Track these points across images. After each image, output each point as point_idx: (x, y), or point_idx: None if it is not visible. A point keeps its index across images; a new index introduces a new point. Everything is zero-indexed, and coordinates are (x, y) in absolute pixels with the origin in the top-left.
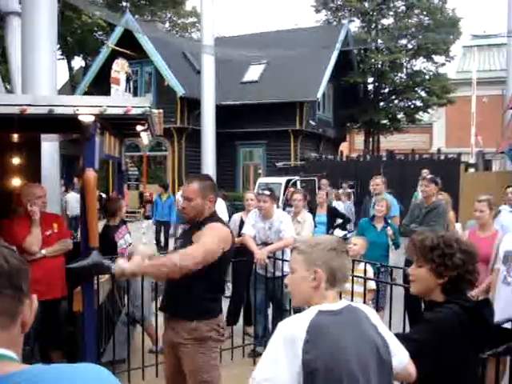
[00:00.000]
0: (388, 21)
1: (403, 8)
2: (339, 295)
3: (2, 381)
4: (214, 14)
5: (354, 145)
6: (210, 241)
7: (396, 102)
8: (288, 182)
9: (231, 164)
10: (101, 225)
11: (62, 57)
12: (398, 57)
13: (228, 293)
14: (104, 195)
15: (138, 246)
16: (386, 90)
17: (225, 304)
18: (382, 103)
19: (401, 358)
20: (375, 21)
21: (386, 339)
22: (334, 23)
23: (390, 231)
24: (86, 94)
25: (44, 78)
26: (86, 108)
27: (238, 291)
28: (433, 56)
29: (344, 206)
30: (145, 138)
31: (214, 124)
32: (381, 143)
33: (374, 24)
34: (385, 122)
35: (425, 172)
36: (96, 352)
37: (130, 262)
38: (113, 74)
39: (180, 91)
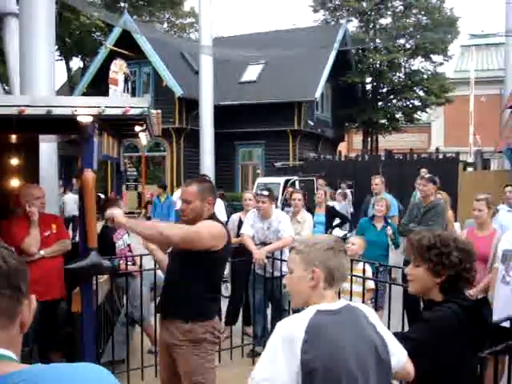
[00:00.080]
0: (386, 20)
1: (401, 8)
2: (338, 295)
3: (2, 380)
4: (212, 15)
5: (352, 145)
6: (200, 229)
7: (394, 101)
8: (287, 182)
9: (230, 164)
10: (100, 226)
11: (60, 58)
12: (396, 56)
13: (227, 293)
14: (102, 196)
15: (115, 210)
16: (385, 90)
17: (224, 304)
18: (380, 103)
19: (399, 357)
20: (373, 20)
21: (384, 338)
22: (332, 23)
23: (389, 231)
24: (84, 94)
25: (42, 79)
26: (84, 109)
27: (236, 291)
28: (431, 55)
29: (340, 206)
30: (143, 139)
31: (212, 124)
32: (379, 143)
33: (372, 24)
34: (383, 121)
35: (423, 171)
36: (95, 352)
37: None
38: (111, 75)
39: (178, 91)
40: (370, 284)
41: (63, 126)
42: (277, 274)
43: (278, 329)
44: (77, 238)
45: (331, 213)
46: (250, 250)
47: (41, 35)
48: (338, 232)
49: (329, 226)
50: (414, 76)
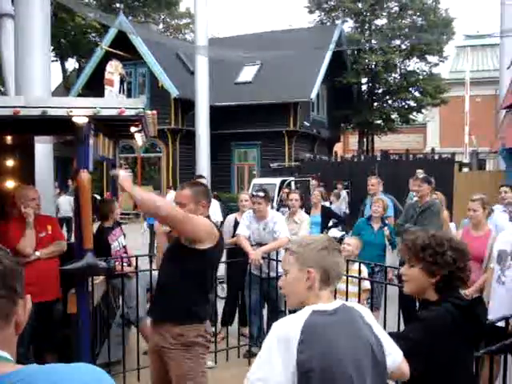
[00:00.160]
0: (381, 21)
1: (396, 9)
2: (334, 295)
3: None
4: (208, 15)
5: (348, 145)
6: (189, 216)
7: (390, 102)
8: (282, 182)
9: (226, 165)
10: (95, 227)
11: (55, 59)
12: (392, 57)
13: (223, 294)
14: (98, 197)
15: (122, 171)
16: (380, 91)
17: (220, 305)
18: (375, 104)
19: (395, 357)
20: (369, 21)
21: (380, 338)
22: (328, 24)
23: (386, 231)
24: (79, 95)
25: (37, 80)
26: (79, 109)
27: (232, 292)
28: (426, 56)
29: (333, 206)
30: (139, 140)
31: (208, 125)
32: (375, 143)
33: (368, 24)
34: (379, 122)
35: (419, 172)
36: (91, 354)
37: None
38: (106, 76)
39: (174, 92)
40: (366, 284)
41: (58, 127)
42: (273, 274)
43: (274, 329)
44: (72, 239)
45: (327, 213)
46: (246, 251)
47: (36, 36)
48: (335, 233)
49: (324, 227)
50: (409, 77)
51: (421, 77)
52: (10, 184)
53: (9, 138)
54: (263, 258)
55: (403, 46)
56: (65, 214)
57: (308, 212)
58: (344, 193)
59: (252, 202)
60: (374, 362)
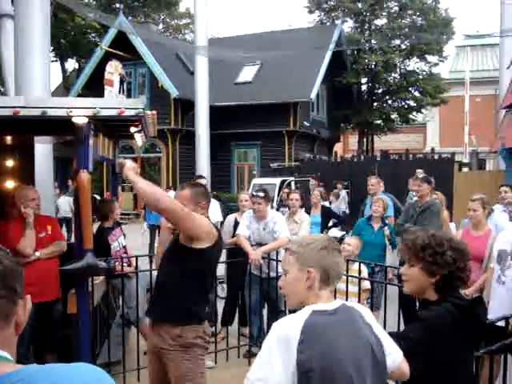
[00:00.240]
0: (381, 21)
1: (396, 8)
2: (334, 295)
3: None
4: (208, 15)
5: (348, 145)
6: (189, 213)
7: (390, 102)
8: (282, 182)
9: (226, 165)
10: (95, 227)
11: (55, 59)
12: (392, 57)
13: (223, 294)
14: (98, 197)
15: (129, 161)
16: (380, 91)
17: (220, 305)
18: (375, 103)
19: (395, 357)
20: (368, 21)
21: (380, 338)
22: (328, 24)
23: (387, 231)
24: (79, 95)
25: (37, 81)
26: (79, 110)
27: (232, 292)
28: (426, 56)
29: (332, 206)
30: (139, 140)
31: (207, 125)
32: (375, 143)
33: (368, 24)
34: (379, 122)
35: (419, 172)
36: (91, 354)
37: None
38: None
39: (174, 93)
40: (366, 284)
41: (58, 127)
42: (273, 274)
43: (274, 329)
44: (72, 240)
45: (327, 213)
46: (246, 251)
47: (36, 36)
48: (335, 232)
49: (324, 227)
50: (409, 77)
51: (421, 77)
52: (10, 184)
53: (9, 138)
54: (263, 257)
55: (403, 46)
56: (64, 214)
57: (308, 212)
58: (344, 193)
59: (252, 202)
60: (373, 362)
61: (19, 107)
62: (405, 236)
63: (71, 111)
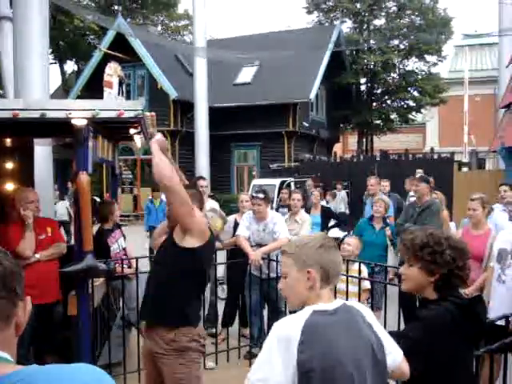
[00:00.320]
0: (380, 21)
1: (395, 8)
2: (334, 295)
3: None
4: (207, 17)
5: (347, 145)
6: (189, 203)
7: (389, 102)
8: (282, 183)
9: (225, 166)
10: (95, 229)
11: (54, 61)
12: (391, 57)
13: (223, 295)
14: (98, 199)
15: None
16: (379, 91)
17: (220, 306)
18: (374, 104)
19: (395, 357)
20: (367, 21)
21: (380, 338)
22: (326, 24)
23: (388, 231)
24: (79, 97)
25: (36, 83)
26: (78, 112)
27: (233, 293)
28: (425, 56)
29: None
30: (138, 142)
31: (207, 126)
32: (374, 143)
33: (366, 25)
34: (378, 122)
35: (419, 172)
36: (91, 355)
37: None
38: (105, 78)
39: (173, 94)
40: (366, 284)
41: (58, 129)
42: (273, 275)
43: (274, 329)
44: (71, 242)
45: (326, 214)
46: (246, 252)
47: (34, 39)
48: (337, 233)
49: (324, 227)
50: (408, 76)
51: (420, 76)
52: (10, 186)
53: (8, 141)
54: (263, 258)
55: (402, 46)
56: (61, 217)
57: (307, 212)
58: (343, 193)
59: (252, 204)
60: (374, 362)
61: (18, 109)
62: (403, 236)
63: (70, 113)
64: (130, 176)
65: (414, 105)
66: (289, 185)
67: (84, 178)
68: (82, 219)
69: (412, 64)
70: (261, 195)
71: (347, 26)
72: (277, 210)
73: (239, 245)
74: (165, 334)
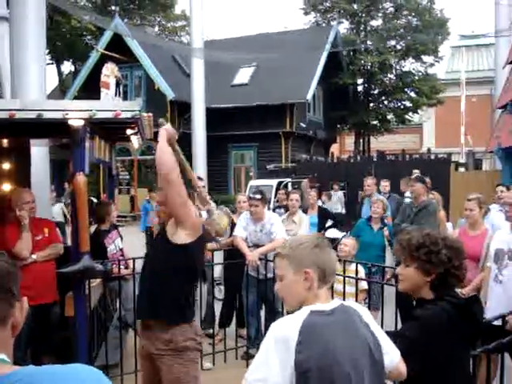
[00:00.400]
0: (377, 22)
1: (391, 9)
2: (331, 295)
3: None
4: (204, 18)
5: (344, 146)
6: (186, 198)
7: (386, 102)
8: (279, 184)
9: (222, 167)
10: (92, 230)
11: (51, 62)
12: (387, 58)
13: (220, 295)
14: (95, 200)
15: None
16: (376, 91)
17: (217, 307)
18: (371, 104)
19: (392, 357)
20: (364, 22)
21: (377, 337)
22: (323, 25)
23: (386, 232)
24: (76, 98)
25: (33, 83)
26: (75, 112)
27: (230, 293)
28: (422, 56)
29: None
30: (135, 142)
31: (204, 127)
32: (371, 144)
33: (363, 25)
34: (375, 122)
35: (415, 172)
36: (88, 356)
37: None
38: (102, 79)
39: (170, 95)
40: (363, 285)
41: (54, 129)
42: (270, 275)
43: (272, 330)
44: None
45: (323, 214)
46: (243, 252)
47: (31, 39)
48: (335, 233)
49: (321, 228)
50: (405, 77)
51: (416, 77)
52: (6, 187)
53: (5, 141)
54: (260, 259)
55: (399, 47)
56: (56, 218)
57: (304, 213)
58: (340, 193)
59: (249, 205)
60: (371, 361)
61: (15, 110)
62: (399, 236)
63: (67, 114)
64: (127, 177)
65: (411, 105)
66: (286, 185)
67: (81, 178)
68: (79, 220)
69: (409, 65)
70: (258, 196)
71: (344, 26)
72: (274, 210)
73: (236, 245)
74: (161, 335)
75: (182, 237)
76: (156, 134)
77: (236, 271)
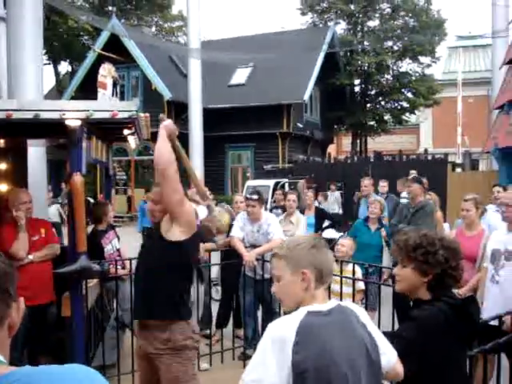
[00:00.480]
0: (374, 23)
1: (389, 10)
2: (328, 295)
3: None
4: (201, 18)
5: (341, 147)
6: (182, 193)
7: (383, 103)
8: (276, 184)
9: (220, 167)
10: (89, 230)
11: (48, 62)
12: (384, 58)
13: (217, 296)
14: (92, 200)
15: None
16: (373, 92)
17: (214, 307)
18: (368, 105)
19: (389, 357)
20: (361, 23)
21: (374, 338)
22: (320, 25)
23: (383, 232)
24: (73, 98)
25: (30, 84)
26: (72, 112)
27: (227, 294)
28: (419, 57)
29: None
30: (132, 142)
31: (201, 127)
32: (368, 145)
33: (360, 26)
34: (372, 123)
35: (412, 173)
36: (85, 357)
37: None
38: (99, 79)
39: (167, 95)
40: (360, 285)
41: (51, 130)
42: (267, 276)
43: (269, 330)
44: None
45: (320, 214)
46: (240, 253)
47: (28, 39)
48: (333, 233)
49: (318, 228)
50: (402, 78)
51: (413, 78)
52: (3, 187)
53: (1, 141)
54: (257, 259)
55: (395, 48)
56: (52, 218)
57: (301, 213)
58: (337, 194)
59: (246, 205)
60: (368, 362)
61: (12, 110)
62: (396, 237)
63: (64, 114)
64: (124, 177)
65: (408, 106)
66: (283, 186)
67: (78, 178)
68: (76, 220)
69: (406, 65)
70: (255, 196)
71: (341, 27)
72: (271, 211)
73: (233, 246)
74: (159, 334)
75: (176, 234)
76: (153, 135)
77: (233, 272)
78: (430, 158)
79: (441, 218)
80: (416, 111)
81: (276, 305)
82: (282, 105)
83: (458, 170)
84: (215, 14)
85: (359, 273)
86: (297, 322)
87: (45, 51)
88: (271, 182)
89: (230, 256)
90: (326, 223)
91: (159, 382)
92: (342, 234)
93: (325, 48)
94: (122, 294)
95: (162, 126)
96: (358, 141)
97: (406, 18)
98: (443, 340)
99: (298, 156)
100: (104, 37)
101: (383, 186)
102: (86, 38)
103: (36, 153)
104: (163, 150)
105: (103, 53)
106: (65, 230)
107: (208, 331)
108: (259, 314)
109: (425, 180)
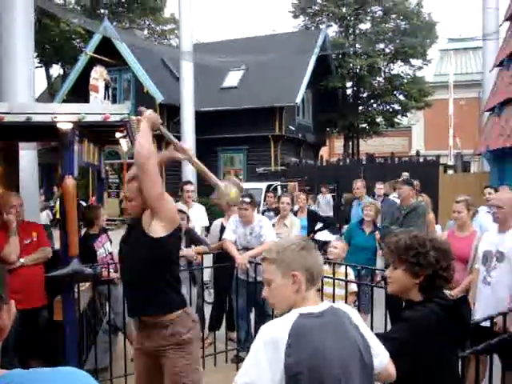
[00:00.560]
0: (365, 25)
1: (380, 13)
2: (321, 297)
3: None
4: (193, 21)
5: (333, 149)
6: (161, 189)
7: (375, 105)
8: (268, 187)
9: (212, 170)
10: (81, 233)
11: (39, 65)
12: (376, 61)
13: (210, 298)
14: (84, 203)
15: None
16: (365, 94)
17: (207, 310)
18: (360, 107)
19: (382, 359)
20: (353, 25)
21: (367, 339)
22: (312, 28)
23: (377, 235)
24: (64, 101)
25: (22, 87)
26: (63, 115)
27: (219, 297)
28: (410, 60)
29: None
30: (124, 145)
31: (193, 130)
32: (360, 147)
33: (352, 29)
34: (364, 125)
35: (405, 175)
36: (78, 360)
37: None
38: (91, 82)
39: (159, 98)
40: (353, 287)
41: (43, 133)
42: (259, 278)
43: (262, 333)
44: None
45: (313, 217)
46: (233, 256)
47: (20, 42)
48: (327, 236)
49: (311, 231)
50: (393, 80)
51: (405, 80)
52: None
53: None
54: (250, 262)
55: (387, 50)
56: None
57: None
58: (329, 196)
59: (238, 208)
60: (361, 363)
61: (3, 113)
62: (387, 239)
63: (56, 117)
64: (117, 180)
65: (400, 108)
66: (275, 188)
67: (70, 182)
68: (68, 223)
69: (397, 68)
70: (247, 199)
71: (333, 30)
72: (263, 213)
73: (226, 248)
74: (162, 331)
75: (157, 229)
76: None
77: (226, 274)
78: (421, 159)
79: (433, 220)
80: (408, 113)
81: (269, 307)
82: (275, 107)
83: (450, 171)
84: (207, 17)
85: (352, 275)
86: (289, 324)
87: (36, 54)
88: (263, 185)
89: (223, 259)
90: (319, 225)
91: (160, 380)
92: (337, 235)
93: (317, 51)
94: (115, 298)
95: (143, 118)
96: (351, 143)
97: (398, 21)
98: (435, 341)
99: (290, 159)
100: (96, 40)
101: (380, 188)
102: (77, 40)
103: (27, 156)
104: (144, 142)
105: (95, 55)
106: (55, 233)
107: (201, 334)
108: (252, 316)
109: (417, 182)
